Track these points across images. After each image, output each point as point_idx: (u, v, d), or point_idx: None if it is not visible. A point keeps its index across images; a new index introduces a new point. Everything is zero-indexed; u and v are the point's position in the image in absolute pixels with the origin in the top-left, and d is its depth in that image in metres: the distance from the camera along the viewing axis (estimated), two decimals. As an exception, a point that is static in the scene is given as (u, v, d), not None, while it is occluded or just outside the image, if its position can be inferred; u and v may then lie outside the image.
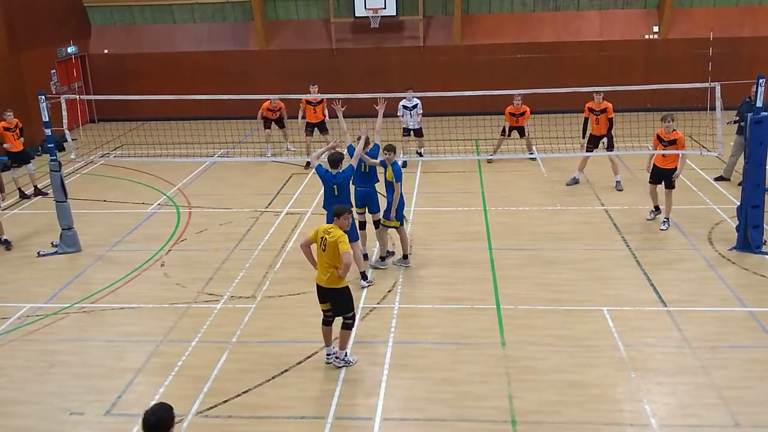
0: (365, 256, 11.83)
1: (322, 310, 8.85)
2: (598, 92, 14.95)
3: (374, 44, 23.31)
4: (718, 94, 11.94)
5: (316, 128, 17.99)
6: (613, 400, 8.11)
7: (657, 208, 13.45)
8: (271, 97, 18.00)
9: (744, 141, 12.49)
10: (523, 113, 17.03)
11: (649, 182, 13.26)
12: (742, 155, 12.64)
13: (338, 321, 8.90)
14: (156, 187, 16.85)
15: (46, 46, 21.76)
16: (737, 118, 15.24)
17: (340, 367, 8.84)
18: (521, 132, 17.48)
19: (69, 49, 22.84)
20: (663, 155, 12.85)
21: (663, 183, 13.00)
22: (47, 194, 16.12)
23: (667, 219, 13.12)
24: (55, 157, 12.86)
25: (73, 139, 16.35)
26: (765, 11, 22.38)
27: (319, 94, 17.12)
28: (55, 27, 22.36)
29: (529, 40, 22.92)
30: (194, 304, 10.82)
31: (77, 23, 23.71)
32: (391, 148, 11.45)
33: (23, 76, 20.44)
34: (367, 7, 22.37)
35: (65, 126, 13.46)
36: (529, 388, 8.35)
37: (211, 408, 8.18)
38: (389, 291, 11.00)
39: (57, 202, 12.94)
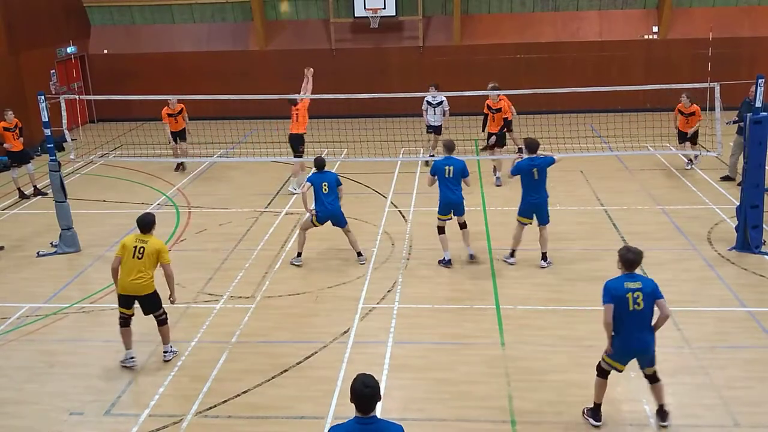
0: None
1: (124, 314, 9.02)
2: (493, 86, 15.61)
3: (374, 44, 23.32)
4: (717, 94, 11.94)
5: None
6: (613, 400, 8.10)
7: (690, 160, 16.59)
8: (170, 98, 17.42)
9: (744, 141, 12.50)
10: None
11: (679, 142, 16.67)
12: (742, 154, 12.66)
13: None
14: (155, 187, 16.85)
15: (46, 47, 21.76)
16: (737, 118, 15.24)
17: (169, 360, 9.16)
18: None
19: (68, 50, 22.84)
20: (687, 121, 16.28)
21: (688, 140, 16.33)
22: (47, 194, 16.13)
23: (696, 157, 16.36)
24: (54, 158, 12.86)
25: (72, 140, 16.35)
26: (764, 11, 22.39)
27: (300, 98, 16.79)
28: (55, 27, 22.36)
29: (529, 40, 22.93)
30: (194, 304, 10.82)
31: (77, 23, 23.71)
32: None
33: (23, 77, 20.44)
34: (366, 7, 22.38)
35: (65, 126, 13.45)
36: (529, 388, 8.35)
37: (210, 408, 8.18)
38: (389, 291, 11.00)
39: (56, 202, 12.93)
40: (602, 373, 7.59)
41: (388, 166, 17.34)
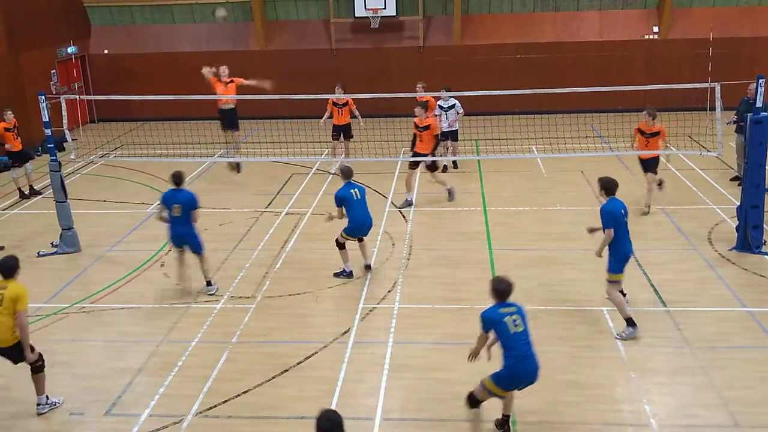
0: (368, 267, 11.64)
1: None
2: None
3: (374, 44, 23.31)
4: (717, 94, 11.94)
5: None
6: (613, 401, 8.11)
7: (660, 182, 14.08)
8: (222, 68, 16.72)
9: (743, 140, 12.50)
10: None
11: (644, 173, 13.91)
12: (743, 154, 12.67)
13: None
14: (156, 187, 16.84)
15: (46, 47, 21.76)
16: (735, 117, 15.25)
17: (44, 413, 8.16)
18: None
19: (69, 50, 22.84)
20: (646, 146, 13.55)
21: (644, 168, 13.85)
22: (41, 194, 16.29)
23: (661, 183, 14.05)
24: (54, 158, 12.86)
25: (73, 140, 16.34)
26: (765, 11, 22.39)
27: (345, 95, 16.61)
28: (55, 27, 22.36)
29: (529, 40, 22.92)
30: (194, 304, 10.83)
31: (77, 23, 23.71)
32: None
33: (23, 77, 20.44)
34: (367, 7, 22.38)
35: (65, 126, 13.46)
36: (529, 388, 8.30)
37: (211, 408, 8.19)
38: (389, 291, 11.00)
39: (57, 202, 12.94)
40: (476, 403, 7.56)
41: (389, 166, 17.34)
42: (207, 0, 23.63)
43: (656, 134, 13.52)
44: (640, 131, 13.76)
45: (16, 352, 8.01)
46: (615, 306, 9.48)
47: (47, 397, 8.26)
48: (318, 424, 5.22)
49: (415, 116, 14.60)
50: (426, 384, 8.51)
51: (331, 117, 17.43)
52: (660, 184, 13.98)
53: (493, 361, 7.43)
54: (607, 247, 9.47)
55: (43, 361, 8.19)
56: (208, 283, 11.14)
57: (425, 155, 14.54)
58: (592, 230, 10.02)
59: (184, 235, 10.80)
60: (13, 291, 7.91)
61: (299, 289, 11.13)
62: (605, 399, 8.14)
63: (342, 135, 17.39)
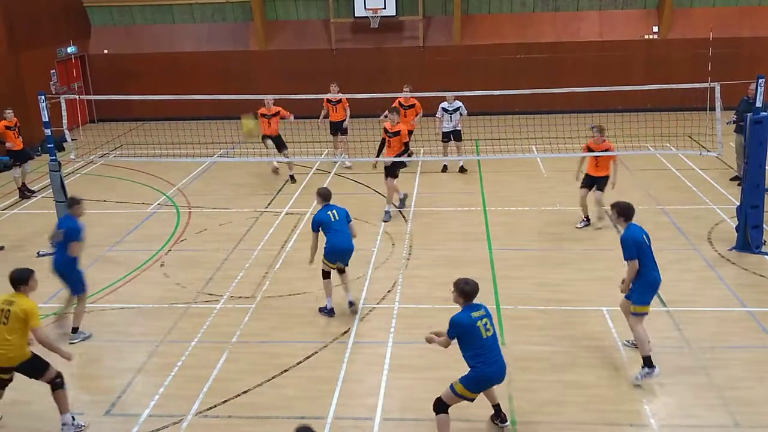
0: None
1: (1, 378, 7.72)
2: (390, 111, 14.28)
3: (374, 44, 23.32)
4: (717, 94, 11.94)
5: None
6: (613, 401, 8.11)
7: (588, 219, 13.21)
8: (268, 97, 16.56)
9: (743, 140, 12.50)
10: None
11: (581, 187, 13.06)
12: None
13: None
14: (156, 187, 16.85)
15: (46, 46, 21.76)
16: (735, 117, 15.25)
17: None
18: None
19: (69, 49, 22.84)
20: (596, 165, 12.82)
21: (594, 187, 12.96)
22: (33, 192, 16.48)
23: (588, 219, 13.18)
24: (54, 158, 12.85)
25: (72, 139, 16.34)
26: (765, 11, 22.39)
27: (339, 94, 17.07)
28: (55, 27, 22.36)
29: (529, 40, 22.92)
30: (194, 304, 10.83)
31: (77, 23, 23.71)
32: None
33: (23, 77, 20.44)
34: (366, 7, 22.38)
35: (65, 126, 13.45)
36: (529, 388, 8.35)
37: (210, 408, 8.18)
38: (389, 291, 11.00)
39: (57, 202, 12.92)
40: (444, 408, 7.22)
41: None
42: (207, 0, 23.63)
43: (606, 152, 12.71)
44: (589, 149, 12.85)
45: (29, 369, 7.64)
46: (636, 341, 8.45)
47: (73, 418, 7.81)
48: None
49: (386, 120, 14.24)
50: (426, 384, 8.49)
51: (327, 116, 17.65)
52: (588, 218, 13.20)
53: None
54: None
55: (62, 378, 7.72)
56: (74, 330, 9.85)
57: (391, 158, 13.88)
58: (624, 285, 8.51)
59: (60, 265, 9.71)
60: (20, 307, 7.40)
61: (299, 289, 11.12)
62: (605, 399, 8.13)
63: (338, 132, 17.65)
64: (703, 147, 16.29)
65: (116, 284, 11.62)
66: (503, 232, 13.25)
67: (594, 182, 12.96)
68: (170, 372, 8.95)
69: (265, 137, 16.62)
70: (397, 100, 16.82)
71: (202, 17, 24.04)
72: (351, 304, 10.33)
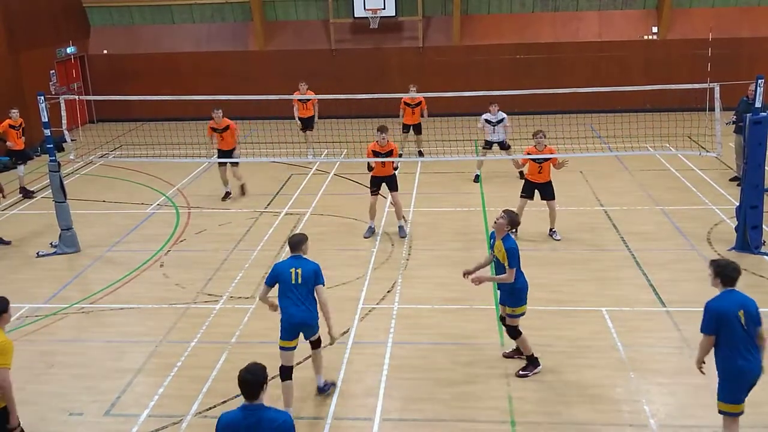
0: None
1: None
2: (380, 130, 12.86)
3: (373, 45, 23.32)
4: (717, 94, 11.95)
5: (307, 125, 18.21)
6: (612, 401, 8.11)
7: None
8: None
9: (743, 141, 12.50)
10: (418, 103, 14.61)
11: (521, 196, 12.80)
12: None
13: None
14: (155, 187, 16.85)
15: (46, 47, 21.75)
16: (734, 118, 15.25)
17: None
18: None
19: (68, 50, 22.84)
20: (539, 171, 12.56)
21: (541, 195, 12.73)
22: (33, 192, 16.46)
23: (555, 230, 12.87)
24: (54, 158, 12.86)
25: (72, 140, 16.34)
26: (764, 11, 22.40)
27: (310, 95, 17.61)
28: (55, 27, 22.35)
29: (528, 40, 22.93)
30: (193, 304, 10.82)
31: (76, 24, 23.70)
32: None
33: (22, 77, 20.44)
34: (366, 7, 22.38)
35: (64, 126, 13.44)
36: (529, 388, 8.35)
37: (210, 408, 8.18)
38: (389, 291, 11.00)
39: (56, 202, 12.93)
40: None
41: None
42: (206, 0, 23.64)
43: (548, 160, 12.43)
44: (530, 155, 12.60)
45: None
46: None
47: None
48: (239, 374, 5.31)
49: (377, 141, 12.93)
50: (426, 384, 8.50)
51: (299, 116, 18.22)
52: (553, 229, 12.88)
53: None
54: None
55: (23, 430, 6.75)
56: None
57: (391, 177, 13.24)
58: (696, 361, 6.97)
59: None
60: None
61: (299, 290, 11.10)
62: (604, 399, 8.14)
63: (306, 128, 18.27)
64: (703, 147, 16.26)
65: (116, 284, 11.61)
66: (503, 233, 13.22)
67: (535, 188, 12.73)
68: (170, 372, 8.95)
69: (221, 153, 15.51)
70: (402, 100, 16.82)
71: (201, 17, 24.04)
72: (320, 390, 8.28)
